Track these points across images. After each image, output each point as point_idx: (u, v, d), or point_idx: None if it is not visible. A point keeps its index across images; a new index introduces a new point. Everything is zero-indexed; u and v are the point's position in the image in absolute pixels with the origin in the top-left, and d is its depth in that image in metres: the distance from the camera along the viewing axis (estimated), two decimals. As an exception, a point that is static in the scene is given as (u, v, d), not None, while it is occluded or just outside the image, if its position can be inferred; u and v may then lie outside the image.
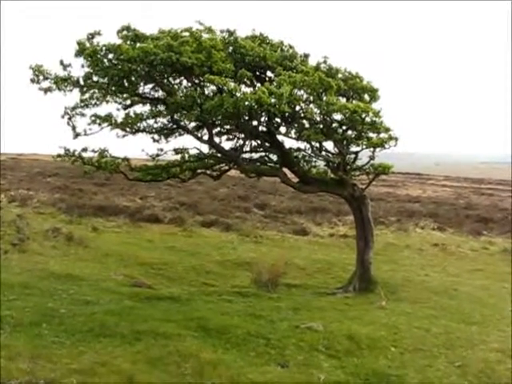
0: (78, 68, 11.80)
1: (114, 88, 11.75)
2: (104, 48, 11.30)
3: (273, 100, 10.86)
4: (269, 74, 12.74)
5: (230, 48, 12.20)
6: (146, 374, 7.29)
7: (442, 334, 10.14)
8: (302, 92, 11.83)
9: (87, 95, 12.00)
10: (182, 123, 12.73)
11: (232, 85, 10.95)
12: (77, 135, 12.22)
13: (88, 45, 11.37)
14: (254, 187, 38.01)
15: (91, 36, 11.45)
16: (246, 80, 12.17)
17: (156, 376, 7.31)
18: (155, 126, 12.89)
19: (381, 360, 8.66)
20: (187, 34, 11.74)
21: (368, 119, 12.35)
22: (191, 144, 13.66)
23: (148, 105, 12.79)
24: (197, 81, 12.27)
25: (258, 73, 12.78)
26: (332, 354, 8.77)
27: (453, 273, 17.61)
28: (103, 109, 12.35)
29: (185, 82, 12.62)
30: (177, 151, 13.69)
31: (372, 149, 12.85)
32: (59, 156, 12.69)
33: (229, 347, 8.73)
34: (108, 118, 12.06)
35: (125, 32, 11.70)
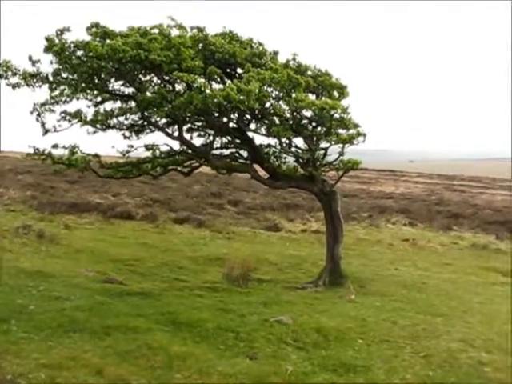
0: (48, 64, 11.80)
1: (83, 85, 11.75)
2: (72, 45, 11.28)
3: (242, 97, 10.97)
4: (239, 70, 12.84)
5: (200, 45, 12.27)
6: (115, 367, 7.34)
7: (409, 325, 10.36)
8: (271, 89, 11.94)
9: (57, 92, 11.96)
10: (153, 120, 12.78)
11: (200, 81, 11.05)
12: (46, 132, 12.20)
13: (57, 41, 11.35)
14: (227, 184, 38.14)
15: (60, 32, 11.41)
16: (215, 77, 12.24)
17: (125, 369, 7.37)
18: (125, 122, 12.92)
19: (348, 351, 8.82)
20: (156, 31, 11.79)
21: (337, 115, 12.53)
22: (162, 140, 13.74)
23: (118, 102, 12.82)
24: (167, 78, 12.33)
25: (228, 70, 12.87)
26: (300, 347, 8.93)
27: (422, 267, 17.89)
28: (74, 105, 12.38)
29: (155, 79, 12.66)
30: (148, 148, 13.74)
31: (341, 145, 13.04)
32: (29, 155, 12.67)
33: (199, 340, 8.82)
34: (78, 115, 12.07)
35: (94, 29, 11.69)
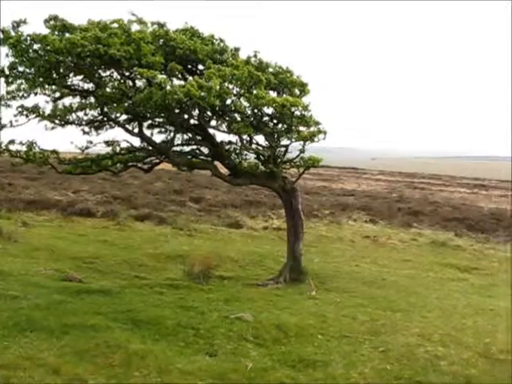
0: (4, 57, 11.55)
1: (41, 79, 11.53)
2: (29, 38, 11.06)
3: (202, 93, 10.94)
4: (200, 67, 12.79)
5: (161, 41, 12.18)
6: (72, 366, 7.27)
7: (368, 321, 10.51)
8: (232, 86, 11.92)
9: (14, 86, 11.72)
10: (113, 116, 12.63)
11: (161, 78, 10.97)
12: (2, 127, 11.97)
13: (13, 33, 11.11)
14: (189, 181, 38.01)
15: (16, 24, 11.17)
16: (176, 73, 12.17)
17: (83, 367, 7.31)
18: (85, 118, 12.75)
19: (308, 347, 8.90)
20: (116, 25, 11.65)
21: (297, 113, 12.59)
22: (122, 137, 13.61)
23: (77, 97, 12.63)
24: (127, 73, 12.23)
25: (189, 66, 12.81)
26: (260, 343, 8.97)
27: (382, 263, 18.11)
28: (31, 100, 12.15)
29: (115, 75, 12.52)
30: (108, 143, 13.59)
31: (302, 142, 13.10)
32: None
33: (158, 338, 8.79)
34: (35, 110, 11.87)
35: (52, 22, 11.49)
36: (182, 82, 11.94)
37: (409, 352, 8.81)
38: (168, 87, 11.07)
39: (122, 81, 12.21)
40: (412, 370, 8.12)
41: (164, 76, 11.58)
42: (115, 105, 11.71)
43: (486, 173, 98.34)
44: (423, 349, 8.97)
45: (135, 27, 12.09)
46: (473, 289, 15.47)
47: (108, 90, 11.90)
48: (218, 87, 11.20)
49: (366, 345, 9.14)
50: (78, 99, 12.61)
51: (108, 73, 12.45)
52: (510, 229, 27.78)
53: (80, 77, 12.25)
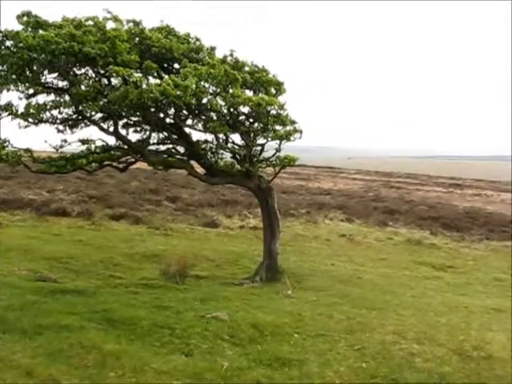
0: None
1: (14, 76, 11.37)
2: (1, 34, 10.90)
3: (178, 92, 10.89)
4: (176, 66, 12.73)
5: (136, 39, 12.10)
6: (45, 367, 7.18)
7: (344, 319, 10.51)
8: (208, 84, 11.89)
9: (-16, 83, 11.55)
10: (88, 114, 12.50)
11: (136, 76, 10.90)
12: (-27, 125, 11.80)
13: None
14: (166, 180, 37.83)
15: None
16: (152, 72, 12.09)
17: (56, 368, 7.21)
18: (59, 116, 12.57)
19: (284, 346, 8.88)
20: (91, 23, 11.54)
21: (273, 112, 12.60)
22: (98, 135, 13.48)
23: (52, 94, 12.48)
24: (102, 71, 12.11)
25: (165, 65, 12.74)
26: (236, 342, 8.93)
27: (358, 262, 18.22)
28: (4, 97, 11.98)
29: (90, 72, 12.40)
30: (83, 142, 13.44)
31: (278, 141, 13.11)
32: None
33: (133, 338, 8.71)
34: (8, 108, 11.69)
35: (25, 18, 11.35)
36: (158, 81, 11.85)
37: (384, 350, 8.83)
38: (144, 86, 11.00)
39: (97, 79, 12.10)
40: (387, 368, 8.13)
41: (140, 74, 11.51)
42: (90, 103, 11.59)
43: (461, 172, 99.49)
44: (398, 346, 9.00)
45: (110, 25, 12.00)
46: (447, 287, 15.63)
47: (83, 88, 11.77)
48: (194, 86, 11.17)
49: (341, 343, 9.14)
50: (52, 97, 12.45)
51: (83, 71, 12.33)
52: (485, 227, 28.16)
53: (54, 74, 12.11)
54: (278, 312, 10.66)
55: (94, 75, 12.19)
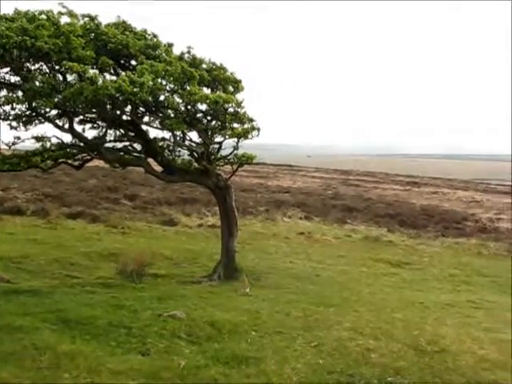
0: None
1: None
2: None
3: (135, 89, 10.77)
4: (133, 62, 12.58)
5: (92, 34, 11.91)
6: (-4, 370, 7.02)
7: (301, 316, 10.56)
8: (165, 82, 11.79)
9: None
10: (42, 111, 12.24)
11: (92, 72, 10.73)
12: None
13: None
14: (124, 178, 37.40)
15: None
16: (108, 68, 11.95)
17: (8, 371, 7.04)
18: (12, 112, 12.27)
19: (241, 344, 8.86)
20: (44, 17, 11.30)
21: (231, 110, 12.57)
22: (53, 132, 13.23)
23: (4, 90, 12.17)
24: (57, 67, 11.87)
25: (121, 61, 12.58)
26: (193, 341, 8.88)
27: (316, 259, 18.34)
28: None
29: (45, 68, 12.14)
30: (37, 139, 13.17)
31: (236, 139, 13.09)
32: None
33: (88, 338, 8.58)
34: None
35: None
36: (115, 78, 11.71)
37: (341, 346, 8.90)
38: (100, 82, 10.84)
39: (51, 75, 11.83)
40: (344, 364, 8.21)
41: (95, 71, 11.34)
42: (44, 99, 11.34)
43: (419, 170, 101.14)
44: (355, 342, 9.08)
45: (65, 19, 11.77)
46: (404, 283, 15.88)
47: (37, 83, 11.51)
48: (150, 83, 11.06)
49: (299, 340, 9.18)
50: (4, 92, 12.13)
51: (37, 66, 12.05)
52: (440, 224, 28.69)
53: (6, 69, 11.81)
54: (235, 310, 10.65)
55: (48, 71, 11.93)
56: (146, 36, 12.72)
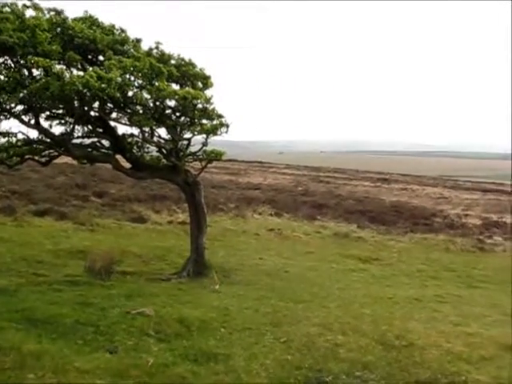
0: None
1: None
2: None
3: (103, 85, 10.65)
4: (101, 58, 12.43)
5: (58, 29, 11.74)
6: (-43, 373, 6.88)
7: (270, 312, 10.59)
8: (133, 77, 11.68)
9: None
10: (7, 106, 12.02)
11: (58, 67, 10.58)
12: None
13: None
14: (93, 175, 36.98)
15: None
16: (76, 63, 11.79)
17: (-30, 373, 6.93)
18: (-25, 108, 12.06)
19: (210, 341, 8.86)
20: (8, 10, 11.10)
21: (200, 106, 12.51)
22: (19, 128, 13.00)
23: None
24: (22, 61, 11.67)
25: (89, 56, 12.43)
26: (162, 338, 8.84)
27: (286, 256, 18.39)
28: None
29: (10, 62, 11.91)
30: (3, 135, 12.94)
31: (205, 135, 13.03)
32: None
33: (55, 337, 8.47)
34: None
35: None
36: (82, 73, 11.55)
37: (309, 342, 8.95)
38: (66, 77, 10.69)
39: (16, 69, 11.62)
40: (312, 359, 8.26)
41: (62, 66, 11.19)
42: (9, 94, 11.15)
43: (389, 167, 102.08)
44: (323, 338, 9.14)
45: (30, 13, 11.58)
46: (373, 279, 16.02)
47: (1, 78, 11.31)
48: (118, 79, 10.96)
49: (267, 336, 9.21)
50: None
51: (1, 60, 11.82)
52: (409, 221, 29.00)
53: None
54: (204, 307, 10.63)
55: (13, 65, 11.71)
56: (114, 31, 12.60)
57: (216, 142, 13.73)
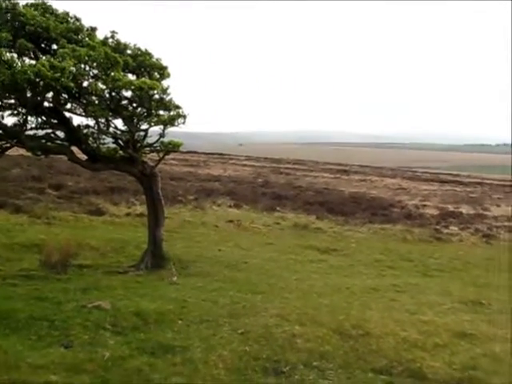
0: None
1: None
2: None
3: (56, 74, 10.41)
4: (54, 46, 12.14)
5: (8, 15, 11.41)
6: None
7: (228, 304, 10.58)
8: (88, 67, 11.46)
9: None
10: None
11: (9, 55, 10.30)
12: None
13: None
14: (50, 167, 36.29)
15: None
16: (28, 52, 11.49)
17: None
18: None
19: (167, 333, 8.83)
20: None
21: (156, 96, 12.35)
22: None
23: None
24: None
25: (42, 45, 12.13)
26: (118, 331, 8.79)
27: (245, 247, 18.37)
28: None
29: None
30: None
31: (162, 126, 12.89)
32: None
33: (8, 333, 8.35)
34: None
35: None
36: (34, 62, 11.28)
37: (267, 333, 8.97)
38: (18, 66, 10.43)
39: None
40: (270, 350, 8.29)
41: (13, 54, 10.90)
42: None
43: (348, 158, 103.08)
44: (281, 329, 9.17)
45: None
46: (331, 269, 16.12)
47: None
48: (72, 68, 10.73)
49: (225, 328, 9.21)
50: None
51: None
52: (368, 211, 29.31)
53: None
54: (162, 299, 10.56)
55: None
56: (69, 19, 12.29)
57: (176, 133, 13.62)
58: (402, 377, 7.75)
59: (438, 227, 26.94)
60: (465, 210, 34.08)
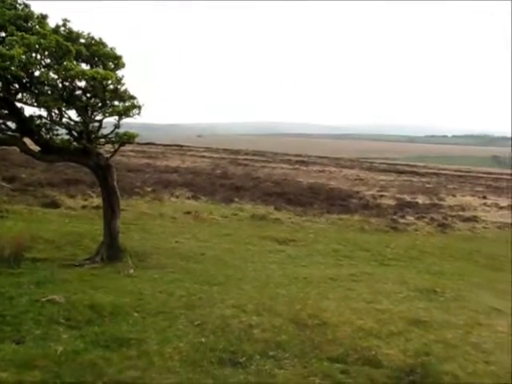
0: None
1: None
2: None
3: (5, 63, 10.13)
4: (2, 34, 11.80)
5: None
6: None
7: (185, 296, 10.54)
8: (39, 56, 11.18)
9: None
10: None
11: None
12: None
13: None
14: (4, 159, 35.49)
15: None
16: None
17: None
18: None
19: (122, 326, 8.78)
20: None
21: (111, 87, 12.14)
22: None
23: None
24: None
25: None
26: (72, 325, 8.71)
27: (203, 238, 18.30)
28: None
29: None
30: None
31: (117, 117, 12.68)
32: None
33: (-44, 332, 8.14)
34: None
35: None
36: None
37: (224, 324, 9.00)
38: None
39: None
40: (227, 341, 8.32)
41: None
42: None
43: (306, 149, 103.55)
44: (238, 319, 9.21)
45: None
46: (289, 259, 16.18)
47: None
48: (22, 57, 10.44)
49: (181, 319, 9.20)
50: None
51: None
52: (326, 202, 29.50)
53: None
54: (117, 292, 10.46)
55: None
56: (17, 6, 11.94)
57: (134, 125, 13.44)
58: (358, 365, 7.85)
59: (394, 217, 27.32)
60: (421, 200, 34.65)
